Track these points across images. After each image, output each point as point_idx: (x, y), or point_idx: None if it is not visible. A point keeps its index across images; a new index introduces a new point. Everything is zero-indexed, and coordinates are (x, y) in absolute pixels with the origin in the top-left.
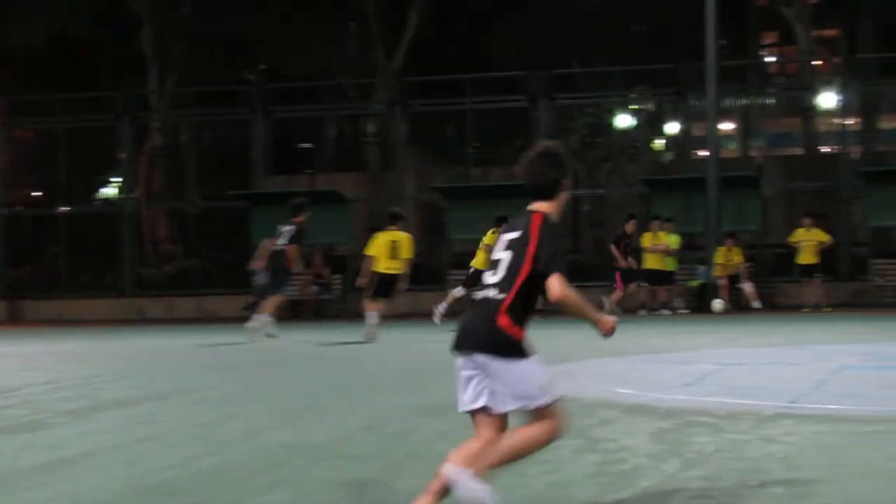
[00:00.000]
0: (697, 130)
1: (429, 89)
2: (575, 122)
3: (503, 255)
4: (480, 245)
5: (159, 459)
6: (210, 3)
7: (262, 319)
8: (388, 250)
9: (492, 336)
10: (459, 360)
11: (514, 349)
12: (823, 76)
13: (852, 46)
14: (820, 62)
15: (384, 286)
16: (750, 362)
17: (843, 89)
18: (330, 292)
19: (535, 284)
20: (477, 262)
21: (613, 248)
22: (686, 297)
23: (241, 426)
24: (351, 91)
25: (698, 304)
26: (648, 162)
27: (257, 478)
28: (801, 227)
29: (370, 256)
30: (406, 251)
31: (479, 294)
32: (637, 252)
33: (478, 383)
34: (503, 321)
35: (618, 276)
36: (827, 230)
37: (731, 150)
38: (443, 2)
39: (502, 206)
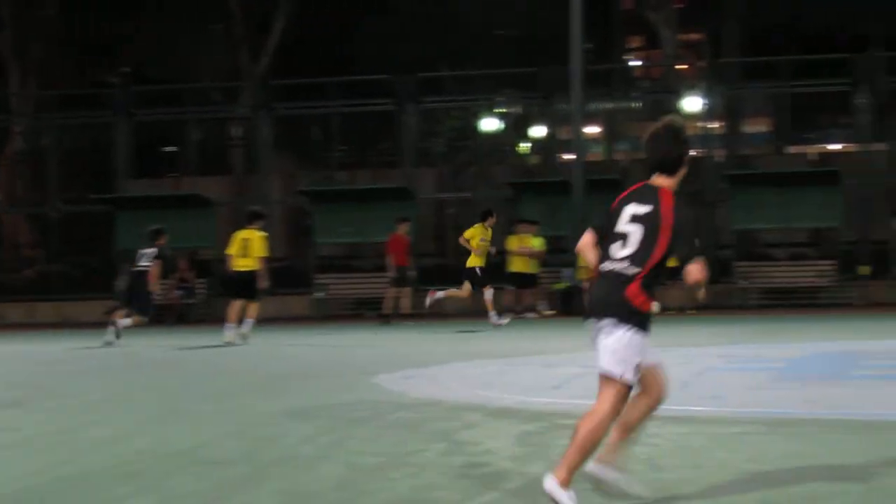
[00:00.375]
0: (563, 134)
1: (295, 92)
2: (441, 126)
3: (631, 229)
4: (470, 242)
5: (19, 467)
6: (73, 4)
7: (120, 324)
8: (240, 248)
9: (622, 307)
10: (594, 328)
11: (635, 318)
12: (688, 80)
13: (717, 50)
14: (685, 66)
15: (238, 284)
16: None
17: (707, 93)
18: (194, 296)
19: (663, 261)
20: (475, 260)
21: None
22: (551, 299)
23: (102, 432)
24: (216, 94)
25: (564, 307)
26: (515, 165)
27: (118, 485)
28: None
29: (229, 256)
30: (258, 249)
31: (607, 266)
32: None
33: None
34: (633, 293)
35: None
36: None
37: (596, 153)
38: (309, 5)
39: (369, 209)
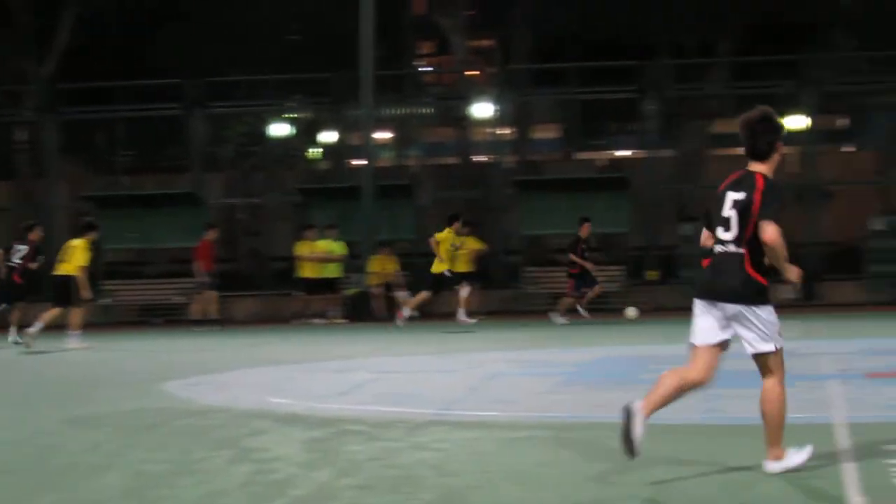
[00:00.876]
0: (354, 139)
1: (82, 96)
2: (231, 131)
3: (731, 214)
4: (440, 248)
5: None
6: None
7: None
8: (62, 254)
9: (745, 287)
10: (701, 305)
11: (762, 296)
12: (479, 86)
13: (507, 57)
14: (476, 72)
15: (56, 289)
16: (404, 370)
17: (497, 99)
18: None
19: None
20: (439, 266)
21: (573, 257)
22: (341, 305)
23: None
24: (0, 97)
25: (354, 313)
26: (305, 171)
27: None
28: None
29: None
30: (75, 257)
31: (718, 248)
32: (293, 260)
33: (721, 325)
34: (750, 271)
35: (571, 281)
36: (481, 238)
37: (387, 159)
38: (97, 8)
39: (157, 214)
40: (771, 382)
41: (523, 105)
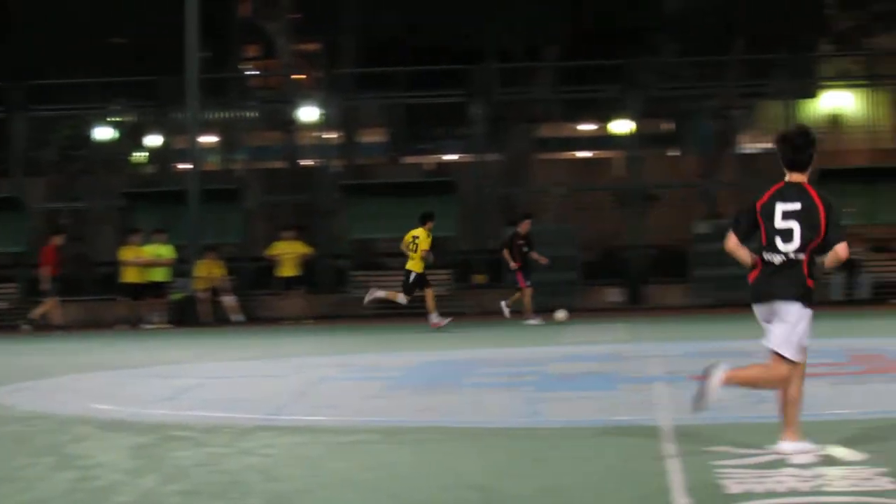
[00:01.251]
0: (179, 143)
1: None
2: (53, 134)
3: (791, 224)
4: (419, 247)
5: None
6: None
7: None
8: None
9: (804, 290)
10: (763, 309)
11: (808, 297)
12: (305, 90)
13: (334, 61)
14: (302, 76)
15: None
16: (231, 375)
17: (324, 103)
18: None
19: (820, 246)
20: (414, 265)
21: (506, 253)
22: (167, 310)
23: None
24: None
25: (180, 317)
26: (130, 175)
27: None
28: (281, 239)
29: None
30: None
31: (777, 259)
32: (118, 265)
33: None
34: (806, 276)
35: (519, 275)
36: (308, 243)
37: (213, 162)
38: None
39: None
40: (778, 364)
41: (350, 109)
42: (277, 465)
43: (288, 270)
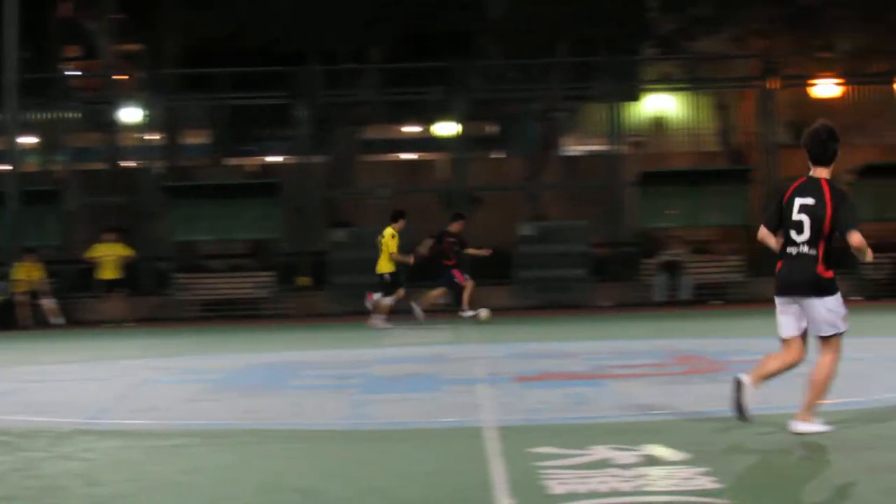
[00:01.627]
0: None
1: None
2: None
3: (803, 218)
4: (387, 245)
5: None
6: None
7: None
8: None
9: (817, 283)
10: (781, 302)
11: (828, 289)
12: (128, 91)
13: (157, 62)
14: (124, 77)
15: None
16: (50, 379)
17: (146, 104)
18: None
19: (832, 237)
20: (383, 266)
21: (422, 247)
22: None
23: None
24: None
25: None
26: None
27: None
28: (102, 241)
29: None
30: None
31: (793, 251)
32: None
33: (798, 318)
34: (821, 269)
35: (456, 273)
36: (130, 245)
37: (32, 163)
38: None
39: None
40: (828, 359)
41: (173, 110)
42: (97, 469)
43: (109, 273)
